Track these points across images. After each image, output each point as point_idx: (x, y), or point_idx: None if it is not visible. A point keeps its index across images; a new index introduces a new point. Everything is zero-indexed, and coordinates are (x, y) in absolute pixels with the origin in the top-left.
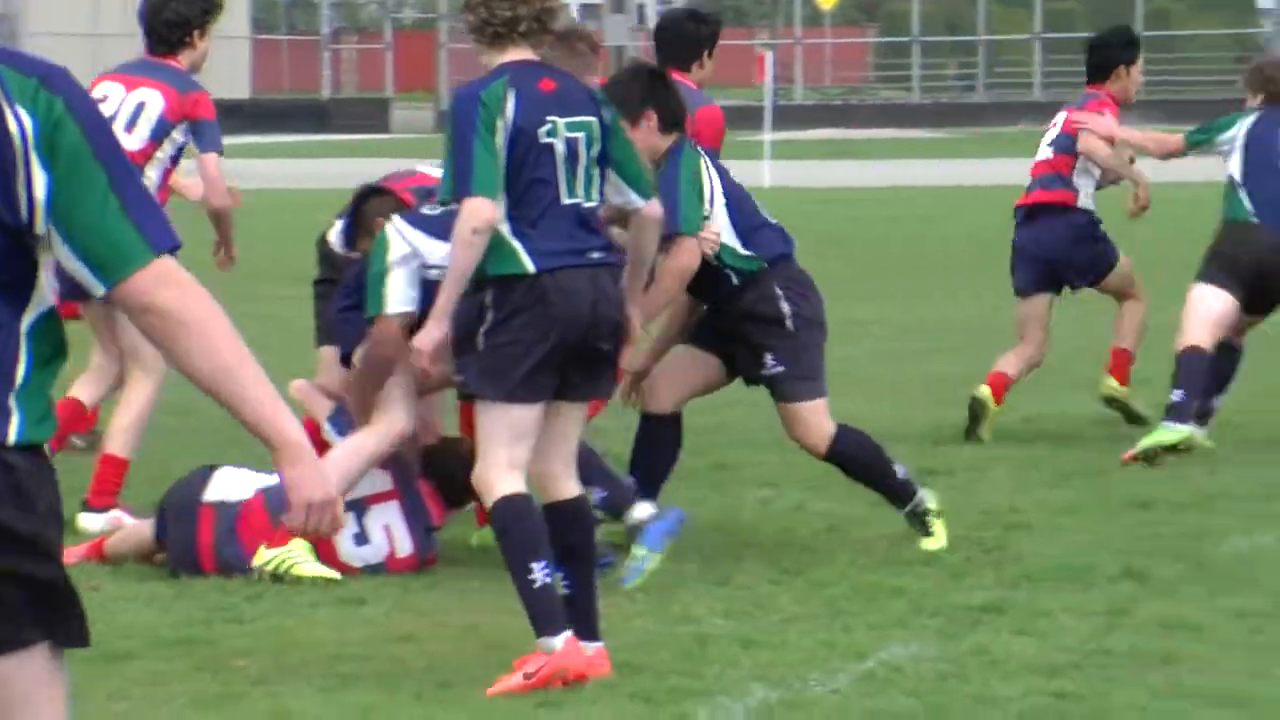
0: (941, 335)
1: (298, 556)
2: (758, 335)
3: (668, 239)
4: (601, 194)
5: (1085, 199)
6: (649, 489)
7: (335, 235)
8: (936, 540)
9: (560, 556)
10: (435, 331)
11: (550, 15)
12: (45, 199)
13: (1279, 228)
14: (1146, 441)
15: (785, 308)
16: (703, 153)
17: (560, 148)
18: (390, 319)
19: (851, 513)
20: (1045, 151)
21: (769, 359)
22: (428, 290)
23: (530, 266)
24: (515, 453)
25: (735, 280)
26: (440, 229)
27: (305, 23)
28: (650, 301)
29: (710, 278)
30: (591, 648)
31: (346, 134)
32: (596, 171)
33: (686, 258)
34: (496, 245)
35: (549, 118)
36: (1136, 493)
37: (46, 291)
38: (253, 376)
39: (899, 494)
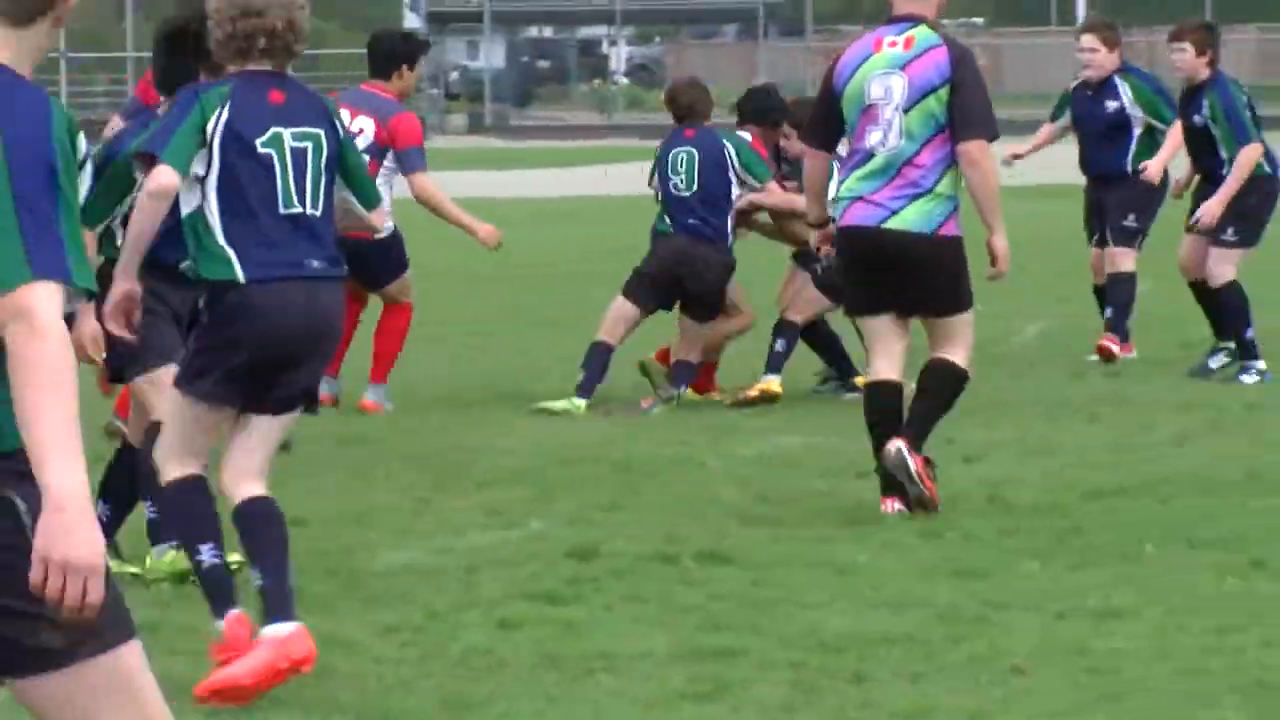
0: None
1: None
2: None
3: None
4: (328, 204)
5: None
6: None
7: None
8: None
9: (252, 552)
10: (117, 288)
11: (291, 31)
12: None
13: (682, 237)
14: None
15: None
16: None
17: (280, 158)
18: None
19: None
20: None
21: None
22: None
23: (240, 276)
24: (191, 443)
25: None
26: None
27: None
28: None
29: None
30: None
31: None
32: (324, 181)
33: None
34: (210, 249)
35: (272, 128)
36: (289, 510)
37: None
38: (45, 429)
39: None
